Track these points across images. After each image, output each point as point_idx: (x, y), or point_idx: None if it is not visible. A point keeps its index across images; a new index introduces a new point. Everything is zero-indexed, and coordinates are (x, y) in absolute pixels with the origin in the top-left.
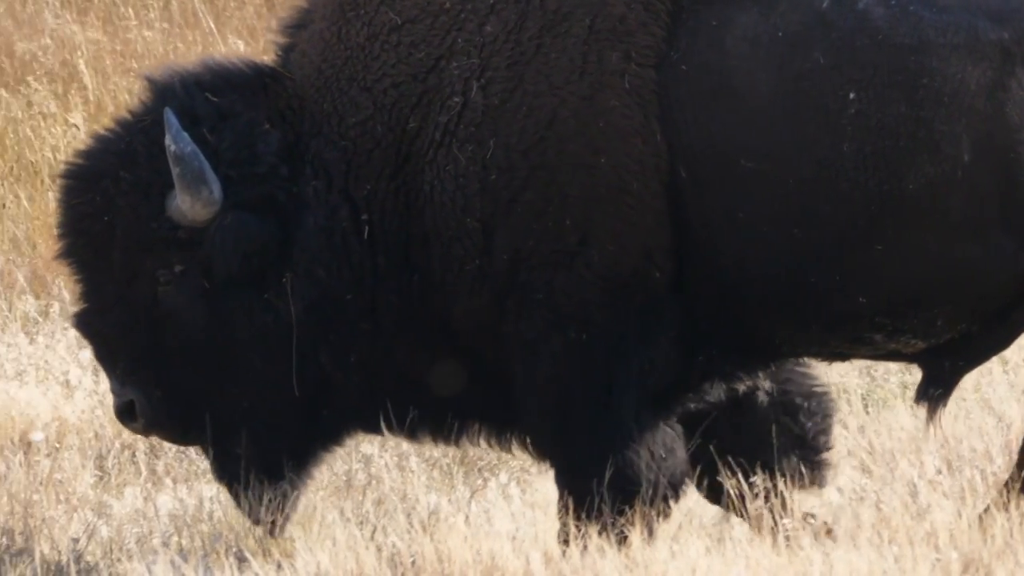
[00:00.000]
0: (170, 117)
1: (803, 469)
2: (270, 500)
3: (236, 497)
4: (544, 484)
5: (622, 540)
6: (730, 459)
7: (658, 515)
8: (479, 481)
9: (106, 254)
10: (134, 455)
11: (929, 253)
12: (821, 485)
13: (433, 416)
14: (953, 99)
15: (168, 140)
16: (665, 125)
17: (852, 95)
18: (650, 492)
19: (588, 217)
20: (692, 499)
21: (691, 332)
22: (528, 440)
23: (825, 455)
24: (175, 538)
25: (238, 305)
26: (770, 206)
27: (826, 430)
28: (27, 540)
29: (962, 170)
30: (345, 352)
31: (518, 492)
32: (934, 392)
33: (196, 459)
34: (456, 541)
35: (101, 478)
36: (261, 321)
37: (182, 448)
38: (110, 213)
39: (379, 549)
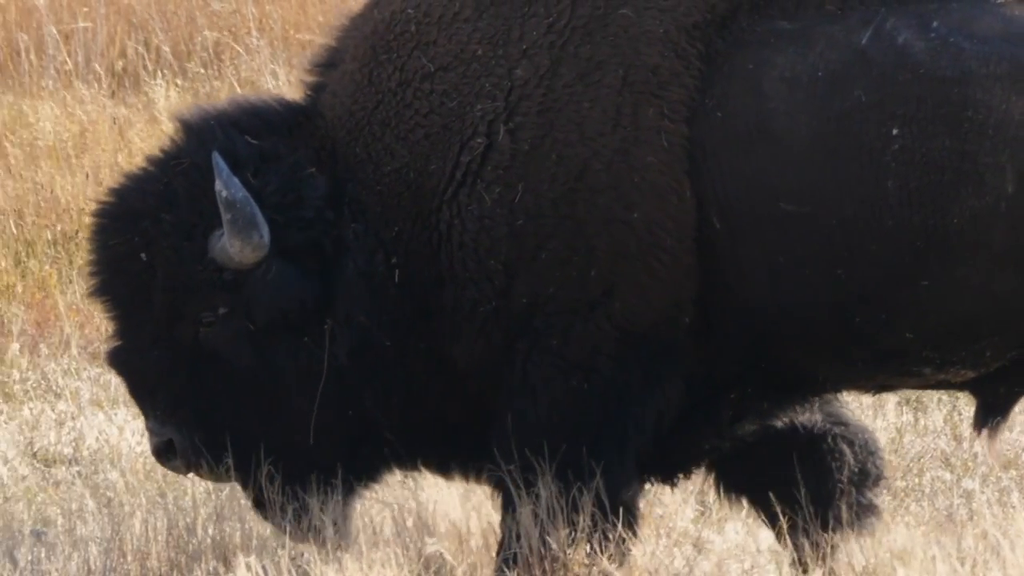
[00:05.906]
0: (219, 162)
1: (847, 515)
2: (315, 535)
3: (282, 533)
4: None
5: None
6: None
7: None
8: None
9: (145, 294)
10: None
11: (974, 286)
12: (870, 533)
13: (463, 455)
14: (997, 130)
15: (219, 185)
16: (694, 179)
17: (895, 131)
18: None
19: (615, 270)
20: None
21: (719, 374)
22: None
23: (873, 495)
24: (775, 573)
25: (283, 347)
26: (812, 247)
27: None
28: None
29: (1005, 201)
30: (387, 395)
31: None
32: (992, 420)
33: None
34: None
35: (702, 513)
36: (307, 364)
37: None
38: (150, 254)
39: None
